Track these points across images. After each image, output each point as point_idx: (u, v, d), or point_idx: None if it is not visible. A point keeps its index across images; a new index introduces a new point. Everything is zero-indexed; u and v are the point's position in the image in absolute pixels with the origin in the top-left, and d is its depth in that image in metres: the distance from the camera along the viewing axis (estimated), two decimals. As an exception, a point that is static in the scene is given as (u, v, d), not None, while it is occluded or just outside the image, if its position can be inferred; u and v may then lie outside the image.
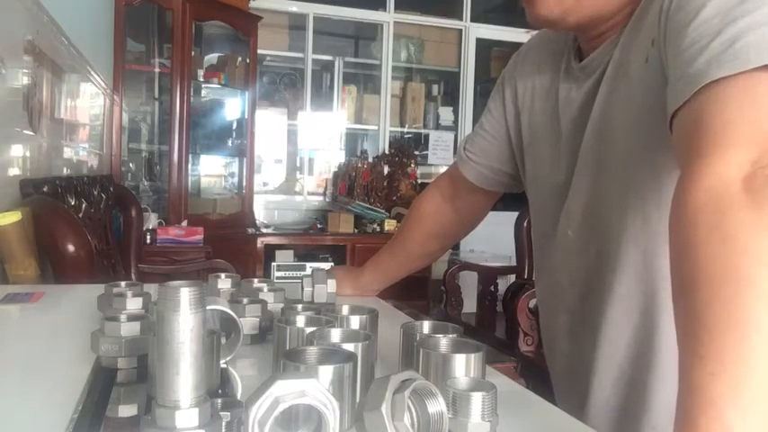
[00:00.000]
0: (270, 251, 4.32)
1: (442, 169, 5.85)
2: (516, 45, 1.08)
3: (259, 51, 4.40)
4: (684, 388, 0.50)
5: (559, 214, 0.90)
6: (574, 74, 0.89)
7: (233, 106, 4.54)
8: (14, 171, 1.92)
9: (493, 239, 4.08)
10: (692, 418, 0.48)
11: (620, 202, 0.80)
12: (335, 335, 0.63)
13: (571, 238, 0.88)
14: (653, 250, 0.78)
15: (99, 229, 2.51)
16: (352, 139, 5.38)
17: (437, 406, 0.48)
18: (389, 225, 4.55)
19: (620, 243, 0.80)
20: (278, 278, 4.07)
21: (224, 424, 0.47)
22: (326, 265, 3.80)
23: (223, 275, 0.95)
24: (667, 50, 0.69)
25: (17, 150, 1.97)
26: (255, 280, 0.95)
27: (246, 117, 4.32)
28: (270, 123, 4.88)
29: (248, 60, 4.30)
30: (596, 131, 0.83)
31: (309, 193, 5.02)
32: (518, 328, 2.77)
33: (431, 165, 5.32)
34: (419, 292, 4.20)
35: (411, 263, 1.25)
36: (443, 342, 0.61)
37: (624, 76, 0.79)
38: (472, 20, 5.29)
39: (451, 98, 5.43)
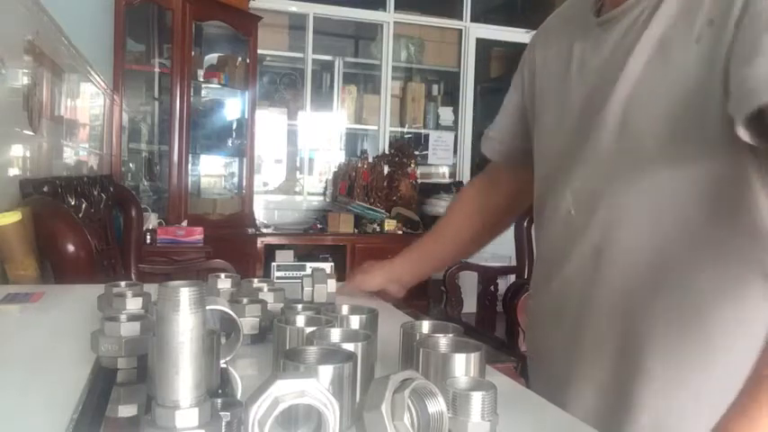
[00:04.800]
0: (270, 251, 4.32)
1: (442, 169, 5.77)
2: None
3: (259, 51, 4.40)
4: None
5: (565, 191, 0.85)
6: (593, 34, 0.83)
7: (233, 106, 4.54)
8: (14, 171, 1.92)
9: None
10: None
11: (633, 187, 0.76)
12: (335, 335, 0.63)
13: (573, 218, 0.83)
14: (660, 251, 0.75)
15: (99, 229, 2.51)
16: (352, 139, 5.38)
17: (437, 406, 0.48)
18: (389, 225, 4.55)
19: (620, 231, 0.77)
20: (278, 278, 4.06)
21: (224, 424, 0.47)
22: (326, 266, 3.80)
23: (223, 275, 0.95)
24: (742, 37, 0.64)
25: (17, 150, 1.97)
26: (255, 280, 0.95)
27: (246, 117, 4.32)
28: (270, 123, 4.88)
29: (248, 60, 4.29)
30: (621, 106, 0.77)
31: (309, 194, 5.03)
32: (518, 328, 2.78)
33: (431, 165, 5.33)
34: (419, 293, 4.21)
35: (450, 247, 1.17)
36: (443, 342, 0.61)
37: (663, 53, 0.73)
38: (472, 20, 5.29)
39: (451, 98, 5.43)
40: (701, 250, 0.73)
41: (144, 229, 3.29)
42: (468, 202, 1.16)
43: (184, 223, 3.69)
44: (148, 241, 3.40)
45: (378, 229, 4.55)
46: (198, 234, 3.53)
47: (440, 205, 4.92)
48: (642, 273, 0.77)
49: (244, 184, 4.40)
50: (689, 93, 0.70)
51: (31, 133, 2.06)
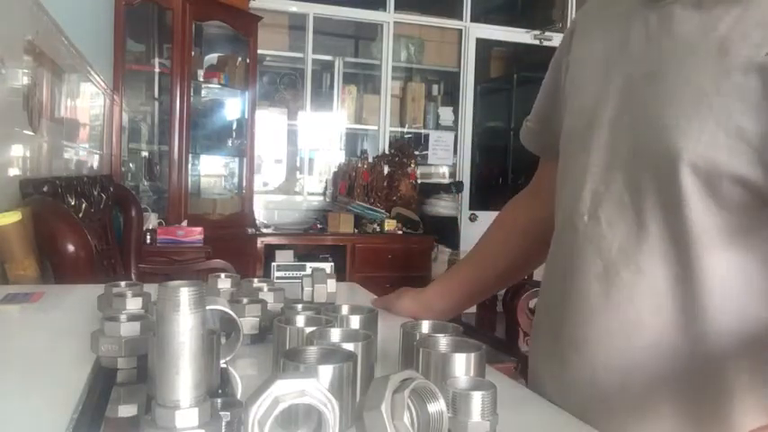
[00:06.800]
0: (270, 251, 4.32)
1: (442, 169, 5.75)
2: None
3: (259, 51, 4.41)
4: None
5: (583, 191, 0.73)
6: (641, 13, 0.71)
7: (233, 106, 4.54)
8: (14, 171, 1.92)
9: (493, 239, 4.08)
10: None
11: (647, 196, 0.67)
12: (335, 335, 0.63)
13: (586, 225, 0.72)
14: (689, 284, 0.65)
15: (99, 229, 2.51)
16: (352, 139, 5.38)
17: (437, 405, 0.48)
18: (389, 225, 4.56)
19: (640, 254, 0.68)
20: (278, 278, 4.07)
21: (224, 424, 0.47)
22: (326, 266, 3.80)
23: (223, 275, 0.95)
24: None
25: (17, 150, 1.97)
26: (255, 280, 0.95)
27: (246, 117, 4.33)
28: (270, 123, 4.88)
29: (248, 60, 4.30)
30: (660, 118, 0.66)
31: (309, 193, 5.03)
32: (518, 328, 2.78)
33: (431, 165, 5.33)
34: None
35: (487, 271, 1.02)
36: (443, 342, 0.61)
37: (717, 55, 0.63)
38: (472, 20, 5.29)
39: (451, 98, 5.44)
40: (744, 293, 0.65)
41: (144, 229, 3.30)
42: (507, 219, 1.02)
43: (184, 223, 3.69)
44: (148, 241, 3.41)
45: (378, 229, 4.55)
46: (198, 234, 3.53)
47: (440, 205, 4.93)
48: (664, 307, 0.67)
49: (244, 184, 4.41)
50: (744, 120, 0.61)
51: (31, 133, 2.06)
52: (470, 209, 5.29)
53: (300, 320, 0.69)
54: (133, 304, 0.76)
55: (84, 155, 3.05)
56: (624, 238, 0.69)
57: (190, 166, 4.00)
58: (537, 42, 5.30)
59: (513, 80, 5.73)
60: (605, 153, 0.72)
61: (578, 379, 0.72)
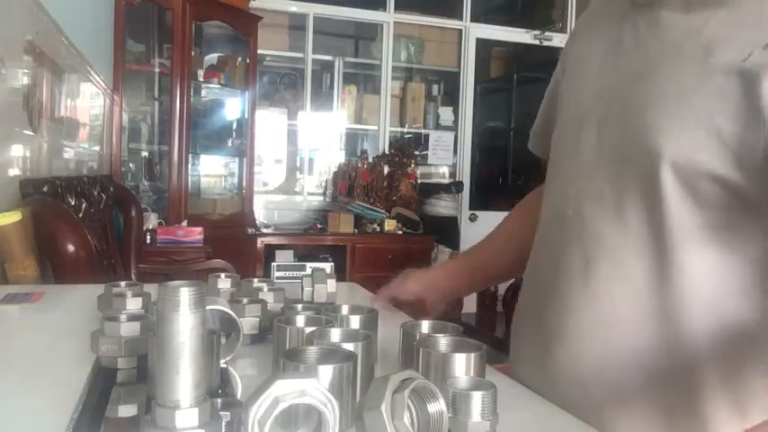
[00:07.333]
0: (270, 251, 4.32)
1: (442, 169, 5.75)
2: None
3: (259, 51, 4.40)
4: None
5: (569, 188, 0.77)
6: (630, 17, 0.74)
7: (233, 106, 4.54)
8: (14, 171, 1.92)
9: (493, 239, 4.07)
10: None
11: (619, 199, 0.70)
12: (335, 335, 0.63)
13: (570, 220, 0.76)
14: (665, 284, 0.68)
15: (99, 229, 2.51)
16: (352, 139, 5.38)
17: (437, 405, 0.48)
18: (389, 225, 4.55)
19: (618, 251, 0.71)
20: (278, 278, 4.06)
21: (224, 424, 0.47)
22: (326, 266, 3.80)
23: (223, 275, 0.95)
24: None
25: (17, 150, 1.97)
26: (255, 280, 0.95)
27: (246, 117, 4.33)
28: (270, 123, 4.88)
29: (248, 60, 4.30)
30: (649, 115, 0.68)
31: (309, 193, 5.03)
32: (518, 328, 2.78)
33: (431, 165, 5.33)
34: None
35: (498, 257, 1.04)
36: (443, 342, 0.61)
37: (702, 57, 0.65)
38: (472, 20, 5.29)
39: (451, 98, 5.43)
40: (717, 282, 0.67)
41: (144, 229, 3.29)
42: (514, 221, 1.05)
43: (184, 223, 3.69)
44: (148, 241, 3.40)
45: (378, 229, 4.55)
46: (198, 234, 3.53)
47: (440, 205, 4.93)
48: (641, 302, 0.70)
49: (244, 184, 4.40)
50: (725, 121, 0.63)
51: (31, 133, 2.06)
52: (470, 209, 5.29)
53: (300, 320, 0.69)
54: (133, 304, 0.76)
55: (84, 155, 3.05)
56: (605, 233, 0.71)
57: (190, 166, 3.99)
58: (537, 42, 5.30)
59: (513, 80, 5.72)
60: (592, 151, 0.74)
61: (560, 366, 0.75)
